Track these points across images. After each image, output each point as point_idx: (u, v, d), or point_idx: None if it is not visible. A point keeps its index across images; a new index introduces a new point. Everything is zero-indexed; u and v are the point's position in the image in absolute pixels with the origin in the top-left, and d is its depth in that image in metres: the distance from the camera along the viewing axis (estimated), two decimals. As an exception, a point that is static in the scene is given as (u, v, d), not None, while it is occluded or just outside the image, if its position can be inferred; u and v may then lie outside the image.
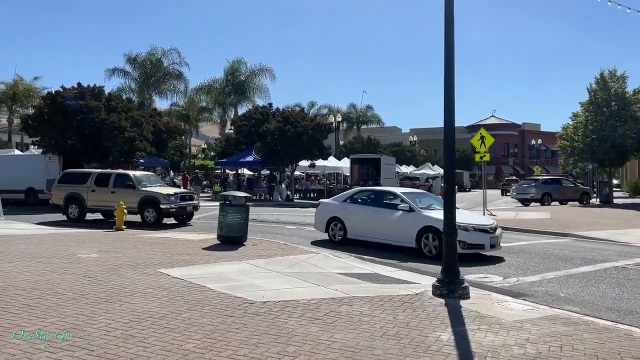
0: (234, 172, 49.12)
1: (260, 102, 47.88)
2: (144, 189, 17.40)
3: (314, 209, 27.91)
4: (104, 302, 6.25)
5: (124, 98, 29.14)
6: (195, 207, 18.43)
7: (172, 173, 47.91)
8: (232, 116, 45.79)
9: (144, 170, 35.61)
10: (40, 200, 26.84)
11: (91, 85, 26.68)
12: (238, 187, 33.22)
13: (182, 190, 18.80)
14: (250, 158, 32.21)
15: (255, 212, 23.19)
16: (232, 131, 47.59)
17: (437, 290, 7.25)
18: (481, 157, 21.40)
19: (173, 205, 17.17)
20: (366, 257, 11.51)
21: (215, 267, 9.07)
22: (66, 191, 18.41)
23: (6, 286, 6.88)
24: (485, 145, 21.13)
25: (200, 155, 71.61)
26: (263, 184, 35.10)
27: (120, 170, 19.96)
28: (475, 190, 72.33)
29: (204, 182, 46.80)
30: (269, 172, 36.62)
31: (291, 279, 8.28)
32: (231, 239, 11.87)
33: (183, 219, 18.23)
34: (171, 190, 18.26)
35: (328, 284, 7.93)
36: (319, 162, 33.31)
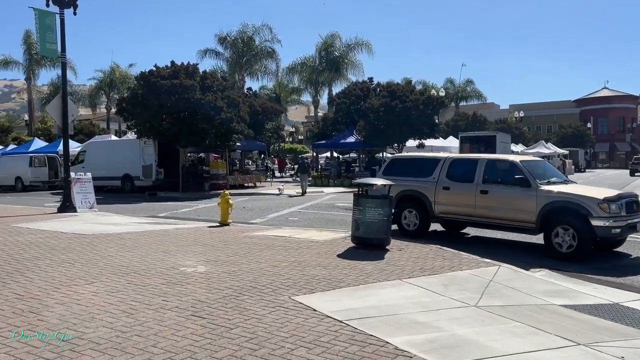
0: (329, 154, 46.44)
1: (354, 79, 44.77)
2: (545, 187, 9.59)
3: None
4: (235, 391, 3.43)
5: (219, 76, 27.12)
6: None
7: (262, 156, 46.08)
8: (327, 95, 43.03)
9: (241, 154, 33.92)
10: (136, 187, 25.68)
11: (185, 64, 24.81)
12: (338, 172, 30.42)
13: (620, 192, 9.96)
14: (351, 139, 29.21)
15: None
16: (322, 114, 44.91)
17: None
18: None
19: (617, 223, 8.78)
20: (570, 271, 8.10)
21: (374, 293, 6.12)
22: (398, 187, 11.06)
23: (77, 340, 4.29)
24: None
25: (288, 139, 70.00)
26: (359, 168, 32.09)
27: (494, 155, 12.46)
28: (591, 170, 64.78)
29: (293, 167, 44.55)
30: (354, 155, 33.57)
31: (511, 324, 5.11)
32: (371, 241, 8.89)
33: (608, 245, 9.66)
34: (605, 192, 9.66)
35: (587, 339, 4.67)
36: (426, 142, 29.63)
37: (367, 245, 8.90)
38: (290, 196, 22.00)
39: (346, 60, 43.40)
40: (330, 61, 43.10)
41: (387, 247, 8.99)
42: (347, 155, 38.74)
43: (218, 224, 12.25)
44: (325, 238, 10.14)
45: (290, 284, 6.39)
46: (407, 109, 26.04)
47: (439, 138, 30.77)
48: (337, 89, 44.90)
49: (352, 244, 9.22)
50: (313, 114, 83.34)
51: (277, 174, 43.37)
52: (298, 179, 25.76)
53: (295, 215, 15.47)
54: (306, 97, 61.66)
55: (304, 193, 22.88)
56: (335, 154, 37.17)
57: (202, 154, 32.04)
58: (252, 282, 6.43)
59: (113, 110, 57.01)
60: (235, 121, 24.50)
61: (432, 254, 8.73)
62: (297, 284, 6.40)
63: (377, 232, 8.87)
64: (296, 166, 45.32)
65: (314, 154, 57.85)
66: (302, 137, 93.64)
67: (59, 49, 14.59)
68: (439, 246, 9.64)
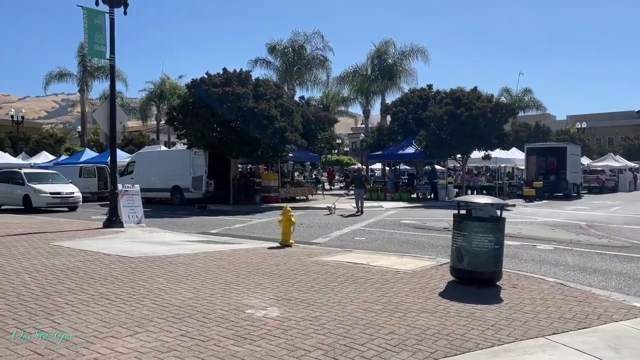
0: (378, 165, 44.59)
1: (407, 88, 42.88)
2: None
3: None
4: None
5: (272, 84, 25.89)
6: None
7: (309, 168, 44.68)
8: (379, 105, 41.27)
9: (292, 165, 32.60)
10: (185, 199, 24.63)
11: (237, 71, 23.69)
12: (395, 185, 28.53)
13: None
14: (410, 150, 27.31)
15: (430, 216, 17.73)
16: (376, 124, 43.07)
17: None
18: None
19: None
20: None
21: (522, 362, 4.31)
22: None
23: None
24: None
25: (334, 151, 68.58)
26: (420, 180, 30.08)
27: None
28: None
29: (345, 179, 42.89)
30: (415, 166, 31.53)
31: None
32: (479, 276, 7.05)
33: None
34: None
35: None
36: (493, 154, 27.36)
37: (473, 281, 7.08)
38: (344, 216, 18.60)
39: (399, 68, 41.54)
40: (383, 69, 41.31)
41: (497, 283, 7.17)
42: (396, 167, 36.78)
43: (278, 245, 10.70)
44: (411, 267, 8.39)
45: (398, 343, 4.67)
46: (474, 118, 23.97)
47: (507, 149, 28.39)
48: (389, 98, 43.14)
49: (449, 277, 7.45)
50: (360, 125, 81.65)
51: (326, 186, 41.90)
52: (352, 192, 22.49)
53: (360, 234, 13.75)
54: (356, 108, 59.67)
55: (360, 211, 19.54)
56: (378, 165, 35.19)
57: (250, 165, 30.91)
58: (346, 338, 4.74)
59: (162, 121, 57.23)
60: (288, 130, 23.11)
61: (557, 292, 6.84)
62: (406, 343, 4.67)
63: (486, 264, 7.04)
64: (345, 178, 43.64)
65: (362, 165, 55.87)
66: (348, 149, 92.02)
67: (108, 51, 13.53)
68: (556, 279, 7.75)
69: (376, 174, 46.10)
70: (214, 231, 14.47)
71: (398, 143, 29.06)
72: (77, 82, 51.23)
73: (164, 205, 24.59)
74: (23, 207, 21.00)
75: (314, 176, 43.76)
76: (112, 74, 13.81)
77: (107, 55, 13.52)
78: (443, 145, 25.12)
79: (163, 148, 31.58)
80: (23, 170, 23.06)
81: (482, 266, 7.06)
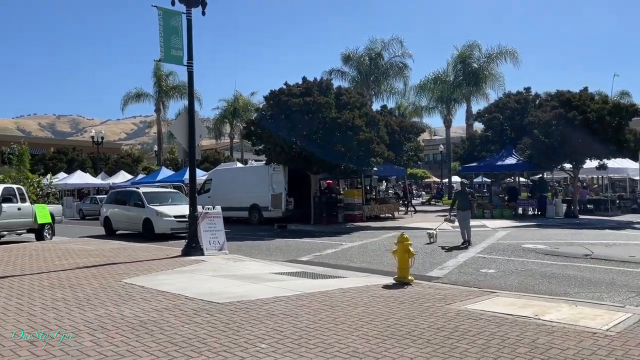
0: (457, 177, 41.26)
1: (493, 94, 39.61)
2: None
3: (627, 232, 18.15)
4: None
5: (355, 92, 23.90)
6: None
7: (384, 183, 42.08)
8: (465, 113, 38.29)
9: (378, 180, 30.35)
10: (264, 219, 23.02)
11: (317, 79, 21.91)
12: (497, 200, 25.51)
13: None
14: (511, 160, 24.30)
15: (553, 238, 14.85)
16: (468, 134, 40.01)
17: None
18: None
19: None
20: None
21: None
22: None
23: None
24: None
25: (419, 163, 65.65)
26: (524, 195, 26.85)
27: None
28: None
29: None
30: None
31: None
32: None
33: None
34: None
35: None
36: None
37: None
38: (447, 249, 13.64)
39: (486, 73, 38.40)
40: (468, 74, 38.33)
41: None
42: (477, 180, 33.56)
43: (394, 282, 8.52)
44: (602, 323, 5.91)
45: None
46: (589, 122, 20.76)
47: (626, 157, 24.74)
48: (474, 105, 40.07)
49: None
50: (434, 137, 77.89)
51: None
52: (452, 215, 15.50)
53: (485, 265, 11.20)
54: (433, 117, 56.30)
55: (467, 243, 14.36)
56: (456, 178, 31.99)
57: (325, 181, 28.93)
58: None
59: (236, 138, 56.95)
60: (374, 142, 20.96)
61: None
62: None
63: None
64: (424, 193, 40.35)
65: (442, 179, 52.45)
66: (421, 162, 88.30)
67: (186, 55, 12.02)
68: None
69: (454, 188, 42.97)
70: (304, 259, 12.48)
71: (495, 153, 26.10)
72: (154, 102, 51.89)
73: (242, 224, 23.07)
74: (142, 233, 17.86)
75: (392, 191, 41.15)
76: (189, 82, 12.24)
77: (185, 61, 11.99)
78: (552, 154, 21.97)
79: (239, 165, 30.33)
80: (141, 190, 19.87)
81: None
